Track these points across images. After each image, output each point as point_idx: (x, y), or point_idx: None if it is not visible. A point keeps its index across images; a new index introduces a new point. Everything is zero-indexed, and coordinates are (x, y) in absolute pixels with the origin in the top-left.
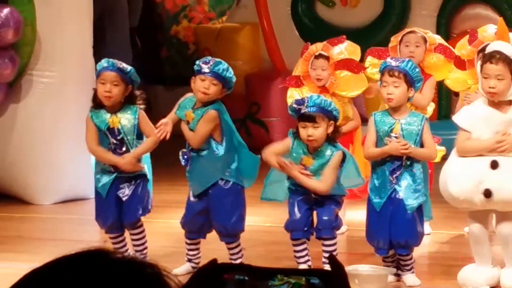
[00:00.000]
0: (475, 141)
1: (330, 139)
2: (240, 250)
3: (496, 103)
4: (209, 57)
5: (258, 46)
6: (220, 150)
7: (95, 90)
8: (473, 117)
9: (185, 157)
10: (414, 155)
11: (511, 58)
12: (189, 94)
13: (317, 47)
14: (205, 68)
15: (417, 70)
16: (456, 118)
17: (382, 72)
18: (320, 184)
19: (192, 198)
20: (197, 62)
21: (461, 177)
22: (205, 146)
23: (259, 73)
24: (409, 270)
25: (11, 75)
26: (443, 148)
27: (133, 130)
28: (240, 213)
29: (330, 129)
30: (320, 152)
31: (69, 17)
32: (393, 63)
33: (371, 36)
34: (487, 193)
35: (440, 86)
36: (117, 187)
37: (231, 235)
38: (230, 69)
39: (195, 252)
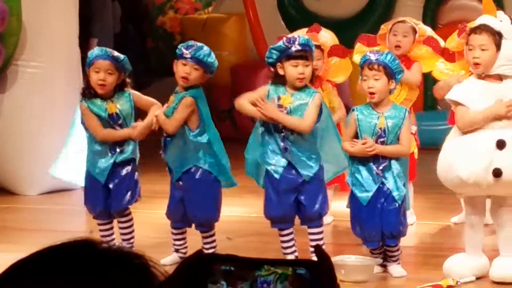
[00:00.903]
0: (478, 111)
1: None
2: (214, 241)
3: (486, 77)
4: (192, 41)
5: (244, 37)
6: (192, 137)
7: (87, 79)
8: (468, 91)
9: (163, 143)
10: (384, 154)
11: (496, 29)
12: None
13: None
14: (187, 54)
15: (396, 62)
16: (451, 94)
17: (361, 67)
18: (301, 121)
19: (173, 187)
20: (179, 46)
21: (469, 159)
22: (179, 132)
23: (245, 64)
24: (395, 261)
25: None
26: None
27: (130, 112)
28: (213, 203)
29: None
30: (299, 93)
31: (55, 7)
32: (372, 57)
33: (358, 27)
34: (497, 173)
35: (426, 77)
36: (113, 173)
37: (203, 224)
38: (212, 54)
39: (181, 242)
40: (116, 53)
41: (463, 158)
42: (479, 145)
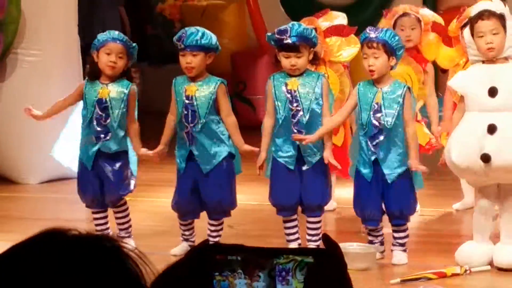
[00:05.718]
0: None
1: (311, 64)
2: (222, 228)
3: (493, 60)
4: (183, 30)
5: (244, 24)
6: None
7: (93, 60)
8: (466, 78)
9: (189, 136)
10: (414, 158)
11: (500, 13)
12: (178, 77)
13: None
14: (180, 45)
15: (396, 38)
16: (451, 81)
17: (361, 44)
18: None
19: (182, 179)
20: (174, 40)
21: (462, 144)
22: (209, 119)
23: (245, 51)
24: (401, 246)
25: None
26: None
27: (120, 104)
28: (234, 188)
29: (311, 56)
30: (304, 76)
31: None
32: (372, 34)
33: (358, 14)
34: (485, 158)
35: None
36: (101, 162)
37: (224, 211)
38: (207, 34)
39: (190, 232)
40: (127, 38)
41: (456, 143)
42: (471, 129)
